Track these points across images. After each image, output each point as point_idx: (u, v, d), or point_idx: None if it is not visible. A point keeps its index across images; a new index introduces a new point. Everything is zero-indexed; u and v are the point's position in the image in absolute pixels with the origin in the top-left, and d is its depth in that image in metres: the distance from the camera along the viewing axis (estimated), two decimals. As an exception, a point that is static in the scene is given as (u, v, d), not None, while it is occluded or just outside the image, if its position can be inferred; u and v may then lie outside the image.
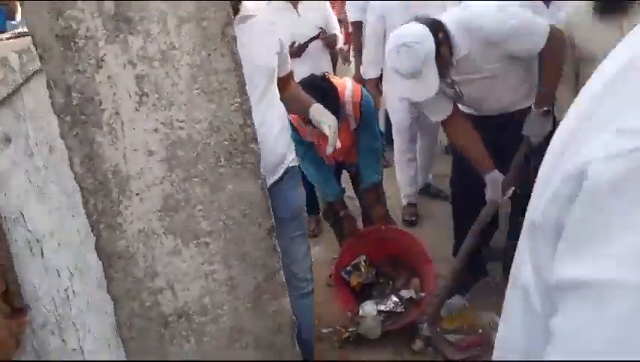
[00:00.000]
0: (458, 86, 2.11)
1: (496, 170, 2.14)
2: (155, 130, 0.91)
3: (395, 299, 2.48)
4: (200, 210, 0.97)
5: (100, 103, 0.88)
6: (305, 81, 2.17)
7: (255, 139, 0.97)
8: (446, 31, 2.03)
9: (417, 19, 2.03)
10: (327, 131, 1.61)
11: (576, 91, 2.03)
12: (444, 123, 2.23)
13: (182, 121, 0.92)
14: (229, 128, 0.95)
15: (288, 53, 1.92)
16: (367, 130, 2.51)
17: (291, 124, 2.29)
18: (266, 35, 1.51)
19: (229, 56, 0.91)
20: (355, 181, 2.88)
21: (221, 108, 0.93)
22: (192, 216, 0.98)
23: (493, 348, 0.55)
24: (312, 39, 3.17)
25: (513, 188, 2.09)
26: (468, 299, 2.57)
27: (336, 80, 2.41)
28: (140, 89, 0.89)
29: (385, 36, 2.98)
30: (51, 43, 0.84)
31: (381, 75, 3.31)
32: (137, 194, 0.94)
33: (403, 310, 2.42)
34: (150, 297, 1.00)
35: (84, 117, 0.88)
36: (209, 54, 0.90)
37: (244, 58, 1.51)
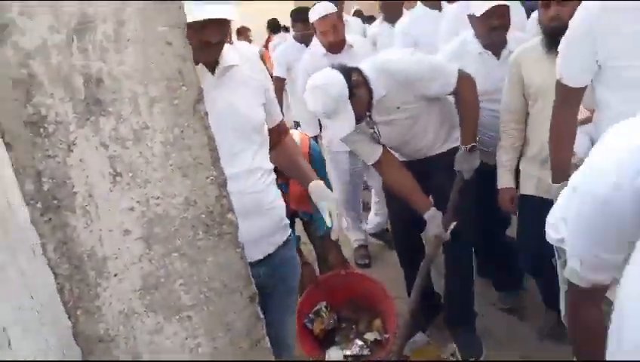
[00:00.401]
0: (378, 127, 2.22)
1: (434, 208, 2.25)
2: (131, 209, 0.90)
3: (359, 342, 2.49)
4: (181, 284, 0.96)
5: (73, 187, 0.87)
6: None
7: (231, 210, 0.97)
8: (362, 74, 2.16)
9: (332, 66, 2.16)
10: (326, 218, 1.66)
11: (525, 124, 2.15)
12: (377, 166, 2.33)
13: (158, 198, 0.91)
14: (205, 201, 0.95)
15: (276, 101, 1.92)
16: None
17: None
18: (248, 84, 1.50)
19: (201, 131, 0.92)
20: (309, 228, 2.93)
21: (196, 183, 0.93)
22: (174, 292, 0.96)
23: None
24: None
25: (454, 222, 2.18)
26: (429, 335, 2.62)
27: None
28: (113, 169, 0.88)
29: None
30: (19, 130, 0.82)
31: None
32: (115, 275, 0.92)
33: (369, 352, 2.43)
34: (133, 380, 0.97)
35: (56, 201, 0.87)
36: (182, 131, 0.91)
37: (232, 112, 1.52)
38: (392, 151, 2.39)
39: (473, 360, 2.39)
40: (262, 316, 1.04)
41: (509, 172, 2.24)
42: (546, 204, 1.67)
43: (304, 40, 3.81)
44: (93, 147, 0.86)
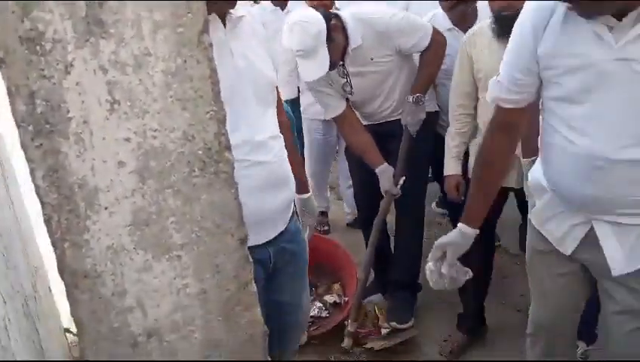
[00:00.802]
0: (350, 77, 2.25)
1: (385, 163, 2.31)
2: (127, 140, 0.86)
3: (319, 304, 2.53)
4: (172, 222, 0.94)
5: (68, 111, 0.82)
6: None
7: (228, 148, 0.95)
8: (341, 19, 2.18)
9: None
10: (305, 234, 1.73)
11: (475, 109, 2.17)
12: (337, 120, 2.35)
13: (155, 130, 0.88)
14: (203, 137, 0.92)
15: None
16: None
17: None
18: (258, 35, 1.44)
19: (204, 63, 0.89)
20: None
21: (195, 117, 0.90)
22: (165, 229, 0.93)
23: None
24: None
25: (404, 177, 2.25)
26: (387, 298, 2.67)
27: None
28: (111, 96, 0.84)
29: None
30: (15, 46, 0.76)
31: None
32: (106, 208, 0.88)
33: (328, 314, 2.48)
34: (118, 317, 0.94)
35: (48, 126, 0.81)
36: (184, 61, 0.87)
37: (250, 68, 1.45)
38: (356, 112, 2.42)
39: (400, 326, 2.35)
40: (251, 260, 1.03)
41: (454, 159, 2.21)
42: None
43: (280, 2, 3.66)
44: (91, 70, 0.82)
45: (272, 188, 1.43)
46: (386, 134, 2.40)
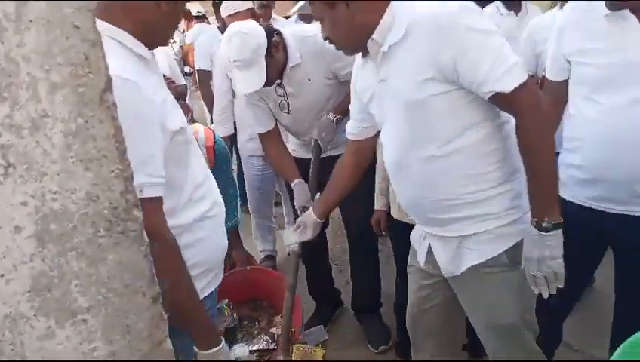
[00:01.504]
0: (288, 97, 2.29)
1: (300, 179, 2.35)
2: (24, 204, 0.83)
3: (266, 337, 2.51)
4: (77, 285, 0.90)
5: (-44, 178, 0.78)
6: None
7: (137, 206, 0.93)
8: (282, 37, 2.20)
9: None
10: None
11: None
12: (263, 137, 2.43)
13: (55, 193, 0.85)
14: (108, 196, 0.89)
15: None
16: (221, 174, 2.55)
17: None
18: None
19: (108, 122, 0.87)
20: None
21: (100, 176, 0.88)
22: (68, 293, 0.89)
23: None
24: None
25: (318, 193, 2.30)
26: (328, 331, 2.69)
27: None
28: (5, 160, 0.80)
29: (232, 93, 3.04)
30: None
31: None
32: (2, 275, 0.84)
33: (276, 346, 2.47)
34: (19, 388, 0.89)
35: None
36: (86, 121, 0.85)
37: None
38: (293, 140, 2.49)
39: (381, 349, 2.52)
40: (165, 317, 1.01)
41: (378, 194, 2.30)
42: (408, 228, 1.80)
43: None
44: (-18, 134, 0.78)
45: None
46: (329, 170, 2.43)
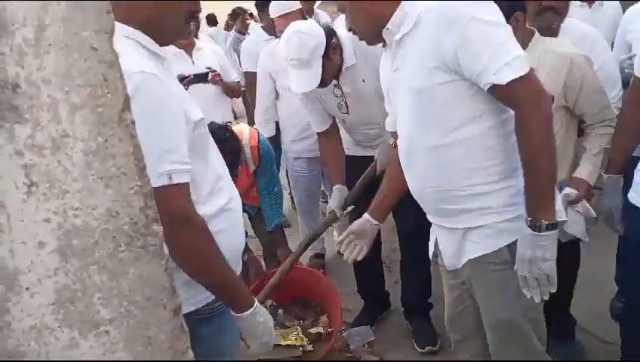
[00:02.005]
0: (345, 97, 2.31)
1: (342, 185, 2.38)
2: (47, 221, 0.86)
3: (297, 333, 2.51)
4: (99, 298, 0.93)
5: (-17, 197, 0.82)
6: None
7: (156, 220, 0.95)
8: (338, 37, 2.22)
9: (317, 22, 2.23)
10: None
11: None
12: (320, 135, 2.46)
13: (77, 209, 0.88)
14: (128, 212, 0.92)
15: None
16: (266, 172, 2.59)
17: None
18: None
19: (127, 140, 0.89)
20: (255, 223, 2.91)
21: (119, 193, 0.90)
22: (91, 306, 0.92)
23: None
24: (199, 77, 3.12)
25: (353, 206, 2.30)
26: (375, 331, 2.69)
27: (234, 126, 2.47)
28: (28, 179, 0.83)
29: (276, 94, 3.07)
30: None
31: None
32: (27, 288, 0.87)
33: (312, 348, 2.48)
34: (45, 396, 0.93)
35: (-37, 212, 0.81)
36: (105, 140, 0.87)
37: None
38: (347, 138, 2.53)
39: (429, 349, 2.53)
40: (186, 328, 1.02)
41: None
42: None
43: (273, 31, 3.65)
44: (6, 155, 0.82)
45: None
46: (361, 167, 2.44)
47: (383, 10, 1.46)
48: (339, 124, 2.56)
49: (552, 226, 1.37)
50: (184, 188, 1.19)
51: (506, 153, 1.44)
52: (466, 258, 1.56)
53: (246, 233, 2.86)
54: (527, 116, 1.34)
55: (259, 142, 2.57)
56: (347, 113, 2.42)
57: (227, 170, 1.48)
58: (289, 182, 3.65)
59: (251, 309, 1.35)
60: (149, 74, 1.13)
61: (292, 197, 4.19)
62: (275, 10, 2.99)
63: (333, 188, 2.44)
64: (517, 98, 1.35)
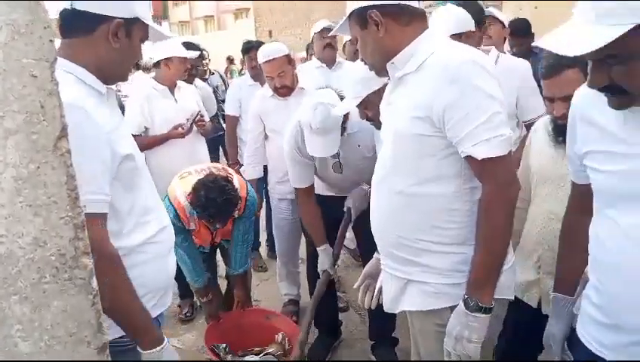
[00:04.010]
0: (341, 159, 2.40)
1: (327, 244, 2.44)
2: (-32, 246, 0.84)
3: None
4: (18, 330, 0.89)
5: None
6: (209, 185, 2.27)
7: (87, 253, 0.93)
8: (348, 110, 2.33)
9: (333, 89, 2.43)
10: None
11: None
12: (299, 192, 2.48)
13: (1, 236, 0.85)
14: (57, 242, 0.89)
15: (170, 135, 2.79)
16: (245, 222, 2.63)
17: (175, 210, 2.33)
18: None
19: (60, 169, 0.88)
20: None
21: (48, 222, 0.88)
22: (9, 337, 0.89)
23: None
24: (193, 120, 3.21)
25: (339, 260, 2.40)
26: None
27: (225, 173, 2.54)
28: (-48, 202, 0.82)
29: (265, 136, 3.14)
30: None
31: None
32: (-59, 315, 0.84)
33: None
34: None
35: None
36: (38, 167, 0.86)
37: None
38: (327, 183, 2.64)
39: None
40: (111, 369, 0.98)
41: None
42: None
43: (257, 77, 3.73)
44: None
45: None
46: (332, 206, 2.50)
47: (394, 44, 1.44)
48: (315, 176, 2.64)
49: (486, 310, 1.36)
50: (98, 218, 1.22)
51: (467, 221, 1.42)
52: (402, 308, 1.54)
53: (210, 277, 2.84)
54: (493, 196, 1.35)
55: (247, 193, 2.63)
56: (340, 173, 2.53)
57: (161, 203, 1.50)
58: (270, 226, 3.64)
59: (159, 347, 1.33)
60: (74, 106, 1.16)
61: (268, 244, 4.17)
62: (262, 55, 3.05)
63: (318, 249, 2.51)
64: (487, 176, 1.35)
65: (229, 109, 3.84)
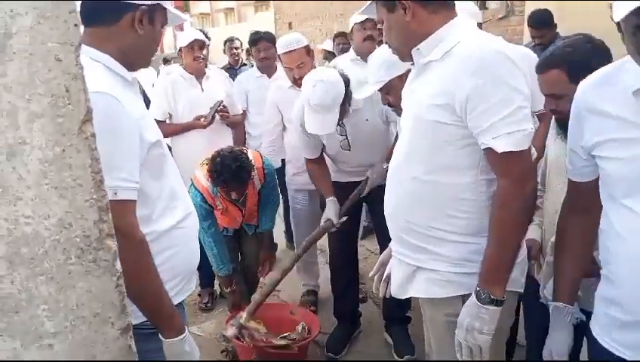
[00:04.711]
0: (348, 135, 2.43)
1: (334, 197, 2.59)
2: (-3, 226, 0.86)
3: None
4: (44, 309, 0.91)
5: None
6: (225, 153, 2.34)
7: (111, 235, 0.94)
8: (350, 87, 2.34)
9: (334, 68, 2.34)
10: None
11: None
12: (309, 160, 2.70)
13: (28, 217, 0.87)
14: (82, 224, 0.91)
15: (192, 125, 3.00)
16: (268, 187, 2.73)
17: (200, 194, 2.40)
18: None
19: (85, 152, 0.89)
20: (247, 240, 3.02)
21: (73, 204, 0.90)
22: (36, 317, 0.91)
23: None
24: (215, 110, 3.22)
25: (346, 217, 2.52)
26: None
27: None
28: (-19, 183, 0.84)
29: (283, 126, 3.17)
30: None
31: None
32: (-29, 294, 0.87)
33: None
34: (-21, 407, 0.91)
35: None
36: (63, 150, 0.87)
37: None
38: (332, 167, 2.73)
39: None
40: (134, 349, 1.00)
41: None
42: None
43: (265, 69, 3.71)
44: (-39, 158, 0.82)
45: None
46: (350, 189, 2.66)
47: (420, 30, 1.42)
48: (326, 156, 2.70)
49: (498, 302, 1.35)
50: (129, 204, 1.24)
51: (480, 212, 1.41)
52: (409, 294, 1.55)
53: (235, 268, 2.88)
54: (508, 191, 1.34)
55: (262, 162, 2.74)
56: (349, 150, 2.53)
57: (185, 189, 1.52)
58: (288, 217, 3.67)
59: (181, 336, 1.34)
60: (106, 94, 1.19)
61: (287, 234, 4.18)
62: (281, 46, 3.05)
63: (327, 200, 2.58)
64: (505, 170, 1.34)
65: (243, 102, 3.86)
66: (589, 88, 1.24)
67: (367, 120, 2.46)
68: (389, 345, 2.85)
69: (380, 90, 2.10)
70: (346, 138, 2.51)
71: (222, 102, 3.31)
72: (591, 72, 1.27)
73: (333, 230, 2.54)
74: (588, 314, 1.37)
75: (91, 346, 0.95)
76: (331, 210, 2.52)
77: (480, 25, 2.38)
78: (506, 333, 1.55)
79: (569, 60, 1.53)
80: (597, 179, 1.28)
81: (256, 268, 2.94)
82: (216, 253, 2.65)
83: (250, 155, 2.62)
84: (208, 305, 3.37)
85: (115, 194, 1.16)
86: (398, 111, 1.78)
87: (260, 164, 2.70)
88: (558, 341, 1.42)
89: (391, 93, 2.07)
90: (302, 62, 2.99)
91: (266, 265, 2.89)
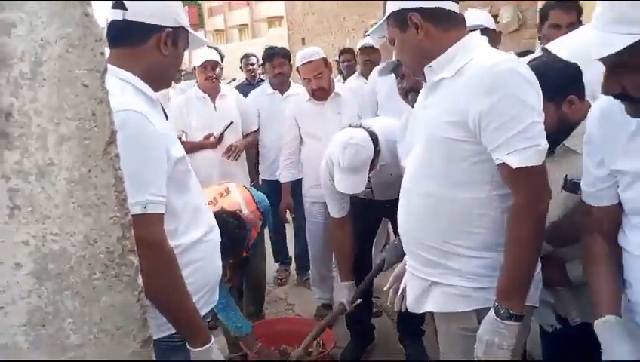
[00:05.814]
0: (373, 186, 2.47)
1: (352, 282, 2.57)
2: (25, 243, 0.90)
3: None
4: (70, 323, 0.95)
5: (-33, 216, 0.87)
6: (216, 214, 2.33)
7: (133, 251, 0.98)
8: (379, 144, 2.38)
9: (361, 126, 2.35)
10: None
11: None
12: (334, 221, 2.55)
13: (55, 234, 0.92)
14: (106, 241, 0.95)
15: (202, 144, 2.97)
16: (266, 222, 2.68)
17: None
18: None
19: (109, 172, 0.94)
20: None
21: (98, 222, 0.94)
22: (62, 330, 0.95)
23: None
24: (226, 128, 3.28)
25: (360, 300, 2.49)
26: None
27: (230, 201, 2.48)
28: (12, 202, 0.88)
29: (300, 140, 3.21)
30: None
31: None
32: (2, 308, 0.91)
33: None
34: (8, 417, 0.94)
35: (-52, 229, 0.86)
36: (89, 170, 0.92)
37: None
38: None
39: None
40: (154, 359, 1.03)
41: None
42: None
43: (278, 85, 3.72)
44: (-7, 178, 0.87)
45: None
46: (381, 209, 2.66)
47: (432, 48, 1.44)
48: None
49: (517, 317, 1.37)
50: (157, 218, 1.28)
51: (495, 227, 1.43)
52: (426, 309, 1.57)
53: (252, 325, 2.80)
54: (523, 206, 1.35)
55: (255, 203, 2.65)
56: (373, 198, 2.67)
57: (205, 202, 1.57)
58: (300, 246, 3.70)
59: (207, 345, 1.39)
60: (135, 112, 1.24)
61: (297, 267, 4.09)
62: (299, 58, 3.12)
63: (343, 284, 2.58)
64: (519, 185, 1.35)
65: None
66: (601, 113, 1.28)
67: (391, 175, 2.49)
68: (403, 357, 2.85)
69: (397, 77, 2.12)
70: (371, 189, 2.58)
71: (231, 122, 3.37)
72: None
73: (348, 311, 2.55)
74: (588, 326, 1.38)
75: (114, 358, 0.99)
76: (345, 295, 2.52)
77: (500, 33, 2.34)
78: (521, 347, 1.56)
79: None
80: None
81: (261, 277, 2.92)
82: (232, 316, 2.48)
83: (241, 202, 2.51)
84: (210, 323, 3.38)
85: (145, 208, 1.21)
86: (414, 97, 1.74)
87: (254, 207, 2.58)
88: (625, 355, 1.22)
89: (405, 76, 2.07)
90: (320, 72, 3.07)
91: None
